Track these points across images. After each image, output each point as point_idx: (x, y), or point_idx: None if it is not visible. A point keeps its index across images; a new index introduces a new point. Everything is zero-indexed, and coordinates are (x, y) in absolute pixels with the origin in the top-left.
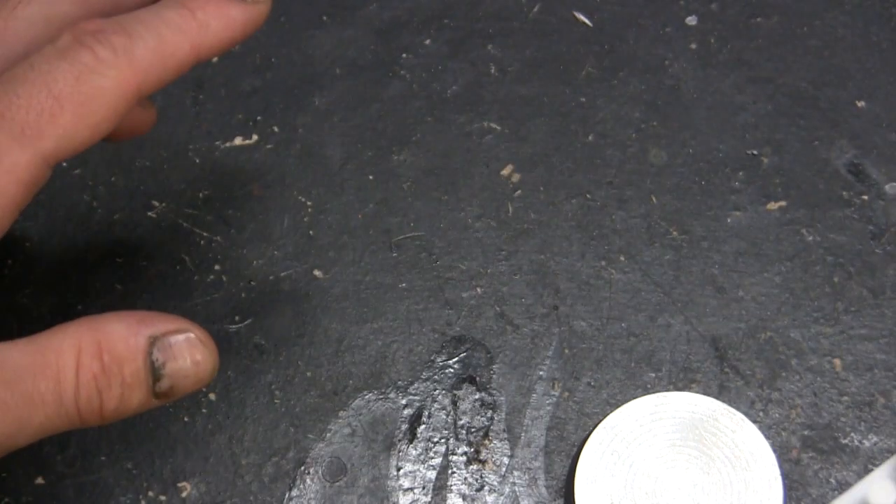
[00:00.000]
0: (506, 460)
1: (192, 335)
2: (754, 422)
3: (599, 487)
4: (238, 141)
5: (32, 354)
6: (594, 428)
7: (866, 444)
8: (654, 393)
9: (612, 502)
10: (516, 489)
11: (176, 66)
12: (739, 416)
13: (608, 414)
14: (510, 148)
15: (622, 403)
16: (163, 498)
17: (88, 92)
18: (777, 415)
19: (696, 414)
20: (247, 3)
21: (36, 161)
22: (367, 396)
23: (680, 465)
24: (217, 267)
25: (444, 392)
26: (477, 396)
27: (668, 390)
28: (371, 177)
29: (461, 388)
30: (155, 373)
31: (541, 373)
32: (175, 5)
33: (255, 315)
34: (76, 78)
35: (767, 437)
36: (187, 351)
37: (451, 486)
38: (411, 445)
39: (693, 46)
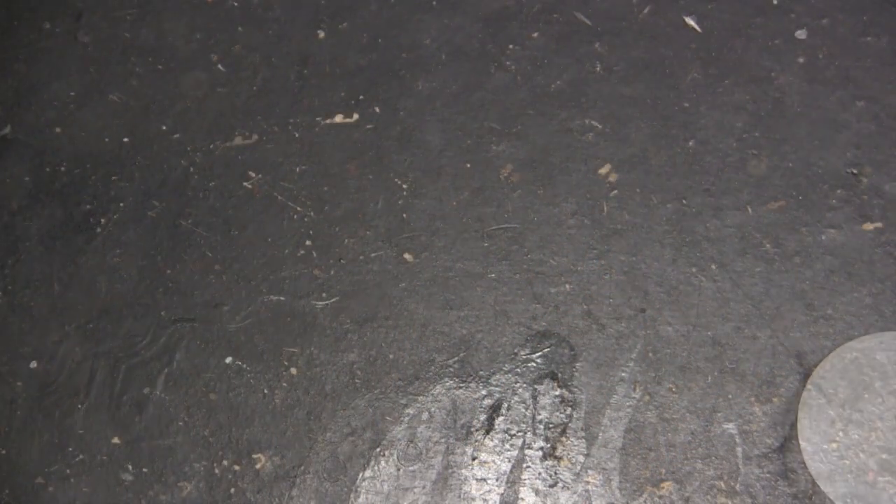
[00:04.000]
0: (581, 458)
1: None
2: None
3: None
4: (339, 118)
5: None
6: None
7: None
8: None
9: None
10: (589, 488)
11: None
12: None
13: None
14: (609, 147)
15: (702, 411)
16: (236, 468)
17: None
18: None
19: None
20: None
21: None
22: (447, 384)
23: None
24: (308, 242)
25: (524, 385)
26: (557, 393)
27: (749, 402)
28: (468, 165)
29: (542, 383)
30: None
31: (623, 374)
32: None
33: (343, 294)
34: None
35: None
36: None
37: (524, 479)
38: (488, 436)
39: (801, 60)
